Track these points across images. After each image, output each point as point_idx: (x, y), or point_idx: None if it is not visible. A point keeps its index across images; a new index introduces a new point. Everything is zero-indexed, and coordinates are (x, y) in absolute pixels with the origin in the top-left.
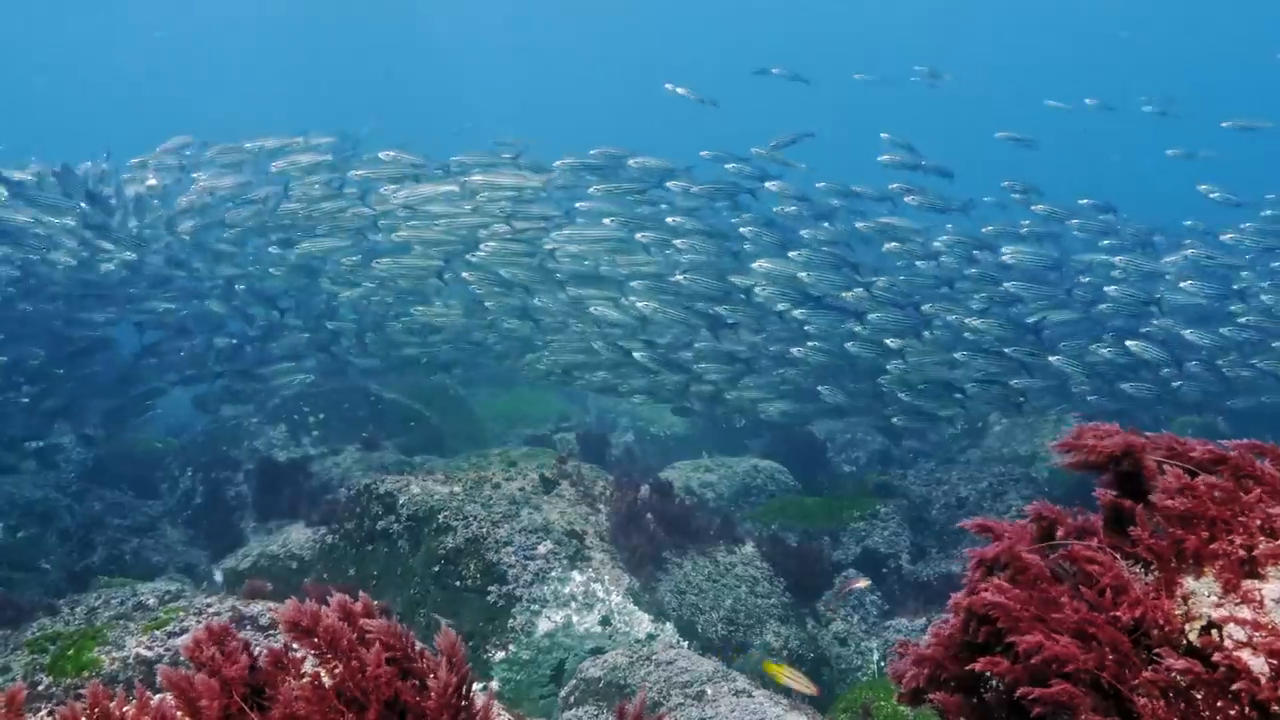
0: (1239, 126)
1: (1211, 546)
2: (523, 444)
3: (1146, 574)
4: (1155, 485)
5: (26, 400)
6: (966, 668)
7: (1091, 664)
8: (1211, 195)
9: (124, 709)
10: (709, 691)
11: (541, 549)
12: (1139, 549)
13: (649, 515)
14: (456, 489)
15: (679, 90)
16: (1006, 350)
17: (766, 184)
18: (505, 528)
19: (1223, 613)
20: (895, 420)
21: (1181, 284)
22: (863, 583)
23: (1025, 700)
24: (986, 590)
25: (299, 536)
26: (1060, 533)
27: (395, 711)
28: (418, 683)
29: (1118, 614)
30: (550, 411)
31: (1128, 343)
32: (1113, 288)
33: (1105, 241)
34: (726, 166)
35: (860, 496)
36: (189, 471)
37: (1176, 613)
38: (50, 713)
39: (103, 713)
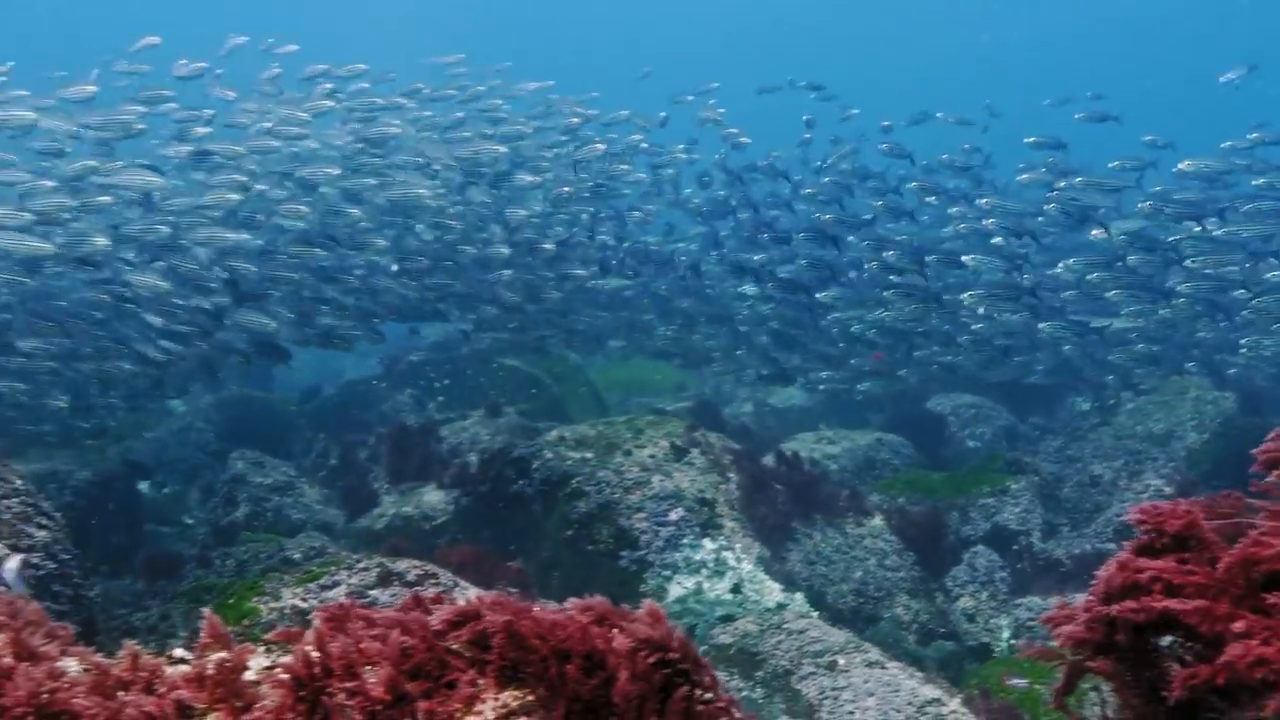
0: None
1: None
2: (646, 413)
3: None
4: None
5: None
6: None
7: None
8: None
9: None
10: (841, 661)
11: (673, 515)
12: None
13: (777, 485)
14: (588, 454)
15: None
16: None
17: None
18: (637, 494)
19: None
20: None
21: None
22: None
23: None
24: (1167, 600)
25: (432, 498)
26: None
27: (595, 664)
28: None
29: None
30: (667, 381)
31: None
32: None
33: None
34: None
35: (989, 472)
36: (321, 434)
37: None
38: (269, 649)
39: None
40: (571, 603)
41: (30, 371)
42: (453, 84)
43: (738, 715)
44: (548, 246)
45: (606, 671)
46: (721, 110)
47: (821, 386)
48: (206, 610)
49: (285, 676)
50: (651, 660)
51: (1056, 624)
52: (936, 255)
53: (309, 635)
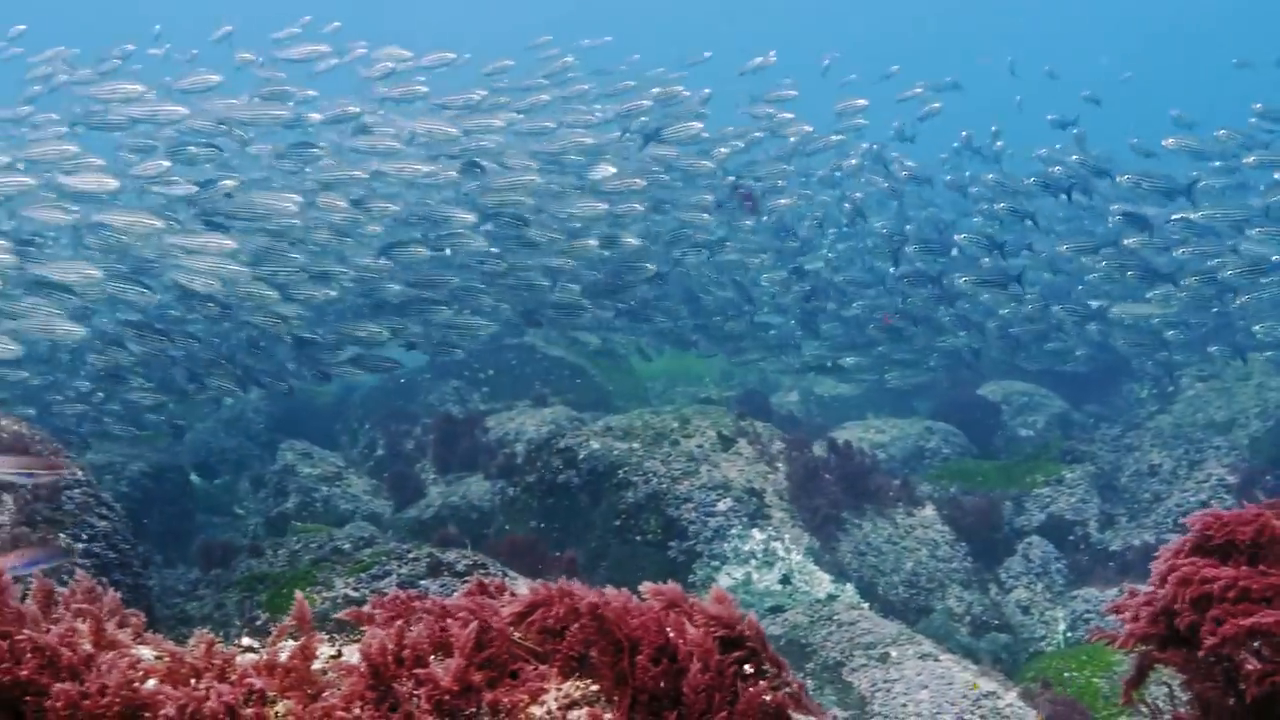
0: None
1: None
2: (692, 402)
3: None
4: None
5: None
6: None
7: None
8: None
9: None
10: (893, 653)
11: (721, 506)
12: None
13: (827, 475)
14: (635, 445)
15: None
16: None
17: None
18: (685, 484)
19: None
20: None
21: None
22: None
23: None
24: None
25: (478, 488)
26: None
27: (666, 655)
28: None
29: None
30: (711, 370)
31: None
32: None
33: None
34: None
35: (1043, 461)
36: (366, 425)
37: None
38: (331, 639)
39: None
40: (645, 587)
41: (124, 375)
42: (544, 68)
43: (807, 704)
44: (631, 241)
45: (677, 662)
46: (790, 93)
47: (846, 366)
48: (299, 593)
49: (361, 664)
50: (718, 635)
51: (1122, 612)
52: (919, 244)
53: (384, 622)
